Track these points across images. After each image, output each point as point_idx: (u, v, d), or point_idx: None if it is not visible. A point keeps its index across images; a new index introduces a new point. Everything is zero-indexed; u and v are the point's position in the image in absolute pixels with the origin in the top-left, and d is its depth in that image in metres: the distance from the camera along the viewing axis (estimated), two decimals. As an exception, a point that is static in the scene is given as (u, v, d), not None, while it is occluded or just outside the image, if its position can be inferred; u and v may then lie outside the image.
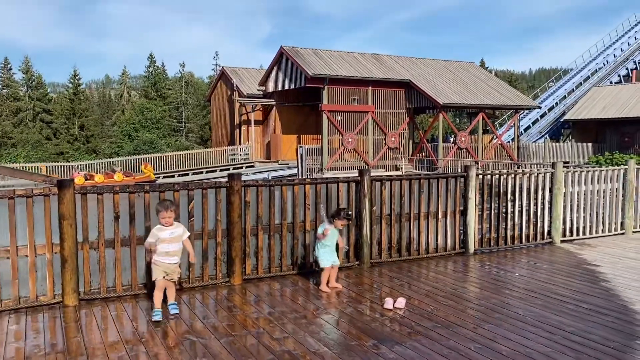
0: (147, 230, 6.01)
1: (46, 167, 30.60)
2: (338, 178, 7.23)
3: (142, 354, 4.38)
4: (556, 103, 43.73)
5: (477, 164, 25.12)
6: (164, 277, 5.30)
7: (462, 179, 7.99)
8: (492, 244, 8.26)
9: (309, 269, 6.92)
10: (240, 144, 35.60)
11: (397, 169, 29.08)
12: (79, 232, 5.73)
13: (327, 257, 6.25)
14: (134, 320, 5.23)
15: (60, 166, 31.24)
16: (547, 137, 40.51)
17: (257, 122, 35.12)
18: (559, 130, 42.23)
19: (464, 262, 7.59)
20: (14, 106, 60.94)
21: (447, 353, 4.39)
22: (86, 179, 24.30)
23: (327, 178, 7.10)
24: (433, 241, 7.82)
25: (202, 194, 6.37)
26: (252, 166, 33.33)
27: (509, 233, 8.41)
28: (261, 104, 34.19)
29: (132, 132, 56.26)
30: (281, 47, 29.68)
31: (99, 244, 5.84)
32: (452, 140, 31.29)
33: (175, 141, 60.80)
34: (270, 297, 6.03)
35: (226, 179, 6.53)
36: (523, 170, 8.67)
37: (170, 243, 5.32)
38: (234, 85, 34.88)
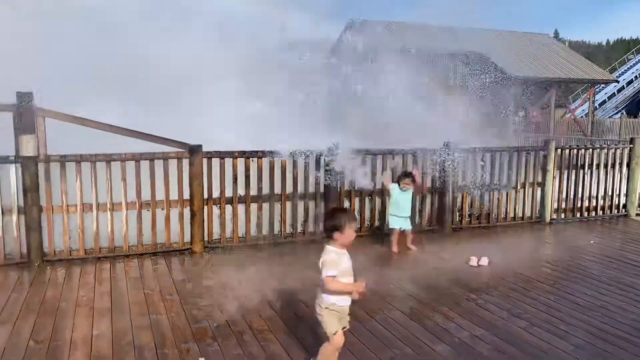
0: (259, 191, 6.97)
1: None
2: (425, 148, 7.87)
3: (254, 292, 5.29)
4: (635, 77, 41.68)
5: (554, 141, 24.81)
6: (343, 328, 3.55)
7: (541, 152, 8.44)
8: (567, 215, 8.71)
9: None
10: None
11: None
12: (205, 191, 6.72)
13: (394, 220, 6.83)
14: (249, 265, 6.18)
15: None
16: (624, 113, 38.89)
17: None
18: (638, 105, 40.39)
19: (540, 229, 8.13)
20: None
21: (530, 302, 5.04)
22: None
23: (414, 148, 7.72)
24: (512, 210, 8.36)
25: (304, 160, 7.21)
26: None
27: (584, 205, 8.81)
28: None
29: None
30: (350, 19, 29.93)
31: (220, 201, 6.83)
32: (523, 115, 30.82)
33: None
34: (365, 252, 6.80)
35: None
36: (601, 146, 8.99)
37: (350, 274, 3.51)
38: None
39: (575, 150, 8.70)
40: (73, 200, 6.24)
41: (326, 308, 3.45)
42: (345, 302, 3.48)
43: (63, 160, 6.17)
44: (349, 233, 3.40)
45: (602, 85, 37.64)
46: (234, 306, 4.84)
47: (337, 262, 3.38)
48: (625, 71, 43.35)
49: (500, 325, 4.48)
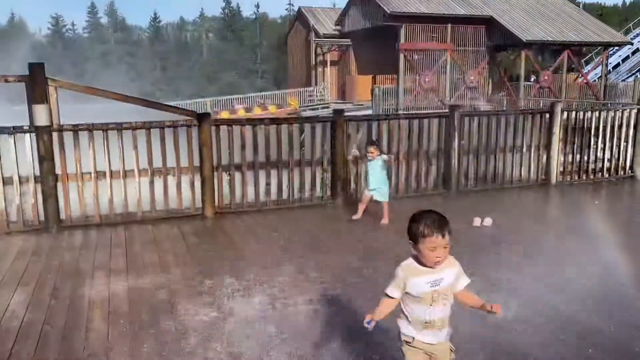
0: (267, 158, 7.12)
1: (211, 100, 34.05)
2: (429, 113, 7.94)
3: (262, 252, 5.49)
4: (651, 38, 40.81)
5: (562, 104, 24.56)
6: None
7: (547, 115, 8.47)
8: (573, 177, 8.77)
9: (402, 194, 7.81)
10: (316, 85, 36.36)
11: (475, 110, 28.90)
12: (214, 158, 6.88)
13: (367, 186, 6.51)
14: (257, 231, 6.37)
15: (220, 100, 34.25)
16: (638, 76, 38.22)
17: (332, 63, 35.56)
18: (652, 68, 39.62)
19: (545, 191, 8.22)
20: (101, 49, 64.54)
21: (528, 259, 5.18)
22: (246, 111, 27.06)
23: (419, 113, 7.81)
24: (517, 173, 8.45)
25: (311, 127, 7.33)
26: (328, 107, 34.12)
27: (590, 167, 8.86)
28: (337, 45, 34.51)
29: (211, 74, 58.31)
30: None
31: (229, 167, 6.99)
32: (533, 79, 30.48)
33: (251, 83, 62.40)
34: (371, 215, 6.96)
35: (332, 114, 7.44)
36: (608, 107, 8.97)
37: (434, 303, 2.55)
38: (311, 25, 35.26)
39: (581, 113, 8.70)
40: (87, 169, 6.43)
41: (405, 342, 2.61)
42: (431, 337, 2.56)
43: (76, 129, 6.34)
44: (425, 252, 2.47)
45: (616, 48, 36.93)
46: (243, 265, 5.04)
47: (401, 280, 2.52)
48: (640, 33, 42.32)
49: (494, 278, 4.63)
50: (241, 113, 25.91)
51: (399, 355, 2.70)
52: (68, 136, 6.32)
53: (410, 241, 2.55)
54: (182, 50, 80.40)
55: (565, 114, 8.58)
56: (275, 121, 7.17)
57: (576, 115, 8.68)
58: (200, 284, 4.60)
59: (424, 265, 2.52)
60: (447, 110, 7.91)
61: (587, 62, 38.25)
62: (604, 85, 30.90)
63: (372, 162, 6.42)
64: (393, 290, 2.56)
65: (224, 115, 26.40)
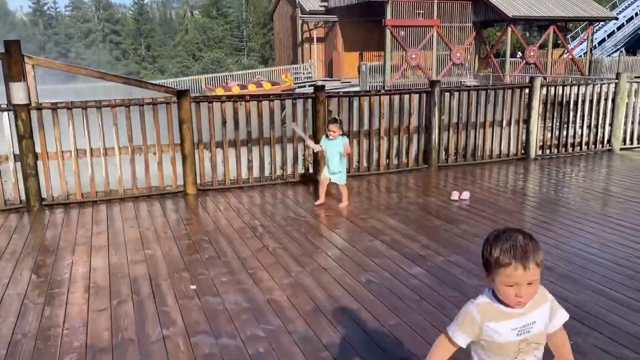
0: (249, 135, 7.14)
1: (205, 78, 34.22)
2: (411, 89, 7.99)
3: (244, 227, 5.57)
4: (636, 13, 40.86)
5: (545, 79, 24.72)
6: None
7: (526, 90, 8.55)
8: (552, 151, 8.90)
9: (383, 170, 7.89)
10: (302, 62, 36.11)
11: (462, 86, 28.94)
12: (195, 135, 6.89)
13: (325, 170, 6.22)
14: (240, 204, 6.44)
15: (214, 77, 34.47)
16: (623, 51, 38.40)
17: (319, 40, 35.30)
18: (637, 43, 39.79)
19: (524, 166, 8.34)
20: (85, 28, 63.42)
21: (505, 226, 5.30)
22: (241, 88, 26.94)
23: (400, 89, 7.85)
24: (497, 147, 8.55)
25: (292, 103, 7.34)
26: (295, 88, 33.96)
27: (569, 141, 8.99)
28: (323, 21, 34.20)
29: (197, 52, 57.60)
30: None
31: (210, 144, 7.01)
32: (519, 55, 30.52)
33: (237, 61, 61.77)
34: (354, 190, 7.06)
35: (312, 91, 7.45)
36: (587, 82, 9.07)
37: (522, 355, 1.87)
38: (296, 1, 34.88)
39: (560, 88, 8.79)
40: (67, 147, 6.42)
41: None
42: None
43: (55, 107, 6.31)
44: (501, 287, 1.76)
45: (602, 23, 37.00)
46: (225, 240, 5.11)
47: (476, 324, 1.82)
48: (626, 7, 42.43)
49: (474, 251, 4.75)
50: (235, 90, 25.86)
51: None
52: (47, 114, 6.29)
53: (484, 268, 1.82)
54: (166, 28, 79.26)
55: (545, 88, 8.66)
56: (256, 98, 7.17)
57: (555, 89, 8.77)
58: (181, 261, 4.67)
59: (507, 305, 1.80)
60: (427, 87, 7.95)
61: (573, 38, 38.30)
62: (590, 60, 31.04)
63: (333, 141, 6.04)
64: (459, 335, 1.85)
65: (219, 92, 26.37)
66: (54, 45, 60.12)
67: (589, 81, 8.98)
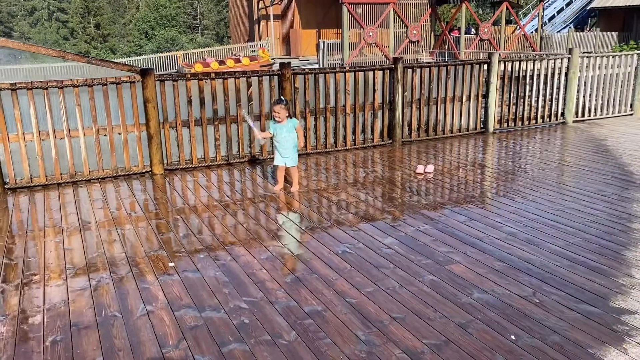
0: (215, 113, 7.12)
1: (182, 54, 33.92)
2: (374, 66, 8.09)
3: (214, 205, 5.63)
4: (584, -10, 42.14)
5: (500, 55, 25.29)
6: None
7: (485, 65, 8.81)
8: (509, 124, 9.24)
9: (349, 146, 8.03)
10: (259, 40, 35.65)
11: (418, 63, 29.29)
12: (160, 114, 6.82)
13: (277, 156, 5.93)
14: (208, 182, 6.46)
15: (192, 53, 34.22)
16: (572, 27, 39.62)
17: (275, 17, 34.89)
18: (585, 19, 41.11)
19: (483, 139, 8.65)
20: (28, 5, 60.45)
21: (469, 200, 5.55)
22: (220, 64, 26.50)
23: (364, 66, 7.95)
24: (457, 122, 8.81)
25: (258, 80, 7.34)
26: (273, 63, 33.68)
27: (525, 114, 9.34)
28: (280, -2, 33.78)
29: (149, 30, 55.96)
30: None
31: (176, 123, 6.95)
32: (473, 32, 31.07)
33: (191, 39, 60.40)
34: (321, 166, 7.18)
35: (277, 68, 7.46)
36: (541, 56, 9.41)
37: None
38: (252, -23, 34.26)
39: (517, 63, 9.09)
40: (29, 129, 6.26)
41: None
42: None
43: (14, 87, 6.11)
44: None
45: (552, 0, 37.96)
46: (198, 218, 5.15)
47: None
48: (575, -16, 43.58)
49: (443, 220, 4.97)
50: (214, 65, 25.82)
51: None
52: (6, 95, 6.10)
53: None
54: (115, 6, 76.44)
55: (502, 64, 8.94)
56: (222, 75, 7.13)
57: (512, 65, 9.06)
58: (157, 239, 4.69)
59: None
60: (391, 63, 8.09)
61: (524, 15, 39.26)
62: (540, 37, 31.92)
63: (282, 125, 5.66)
64: None
65: (197, 68, 25.96)
66: (-5, 23, 57.15)
67: (544, 57, 9.31)
